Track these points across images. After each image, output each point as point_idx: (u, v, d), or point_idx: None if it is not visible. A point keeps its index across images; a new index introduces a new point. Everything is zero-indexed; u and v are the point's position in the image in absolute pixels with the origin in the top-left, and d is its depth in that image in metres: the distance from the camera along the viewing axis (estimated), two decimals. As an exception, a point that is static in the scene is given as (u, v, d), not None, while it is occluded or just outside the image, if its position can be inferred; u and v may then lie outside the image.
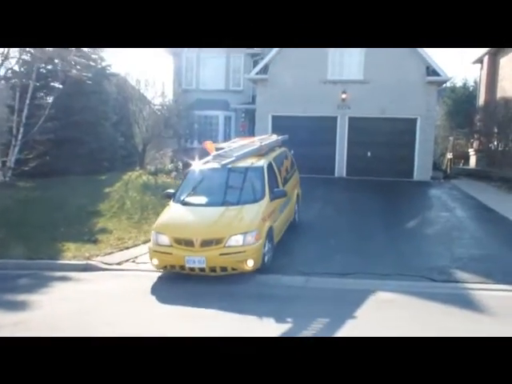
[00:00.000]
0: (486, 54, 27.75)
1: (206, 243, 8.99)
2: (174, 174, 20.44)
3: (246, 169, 10.49)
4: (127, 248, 11.74)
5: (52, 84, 22.48)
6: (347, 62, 21.33)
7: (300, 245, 11.63)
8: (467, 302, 8.18)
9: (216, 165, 10.41)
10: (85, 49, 22.02)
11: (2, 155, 19.61)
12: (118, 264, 10.69)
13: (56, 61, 20.83)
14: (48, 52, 18.79)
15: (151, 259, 9.58)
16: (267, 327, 7.09)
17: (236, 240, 9.00)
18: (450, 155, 27.40)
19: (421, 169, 21.24)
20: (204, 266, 8.92)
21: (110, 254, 11.28)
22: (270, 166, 10.95)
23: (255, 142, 12.17)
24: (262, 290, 8.88)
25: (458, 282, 9.32)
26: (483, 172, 22.45)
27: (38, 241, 11.97)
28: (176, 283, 9.46)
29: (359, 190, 18.34)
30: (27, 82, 19.73)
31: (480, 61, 29.04)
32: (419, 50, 20.47)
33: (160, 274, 9.98)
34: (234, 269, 9.06)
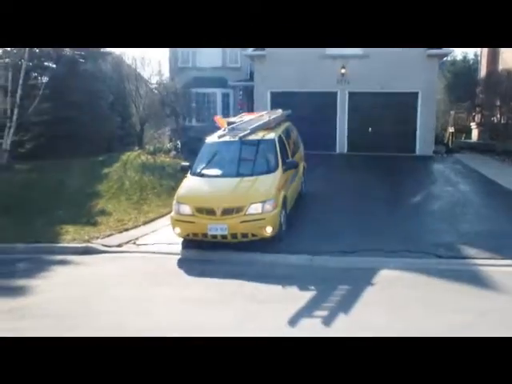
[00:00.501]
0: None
1: (227, 212, 9.43)
2: (172, 153, 20.15)
3: (258, 141, 10.91)
4: (127, 230, 11.55)
5: (46, 64, 22.05)
6: (346, 36, 20.88)
7: (306, 219, 11.58)
8: (477, 279, 8.01)
9: (229, 138, 10.92)
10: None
11: (-3, 138, 19.30)
12: (118, 246, 10.52)
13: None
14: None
15: (173, 228, 10.00)
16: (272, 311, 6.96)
17: (255, 208, 9.46)
18: (451, 129, 27.10)
19: (423, 143, 20.91)
20: (226, 233, 9.39)
21: (109, 236, 11.10)
22: (280, 138, 11.37)
23: (264, 116, 12.44)
24: (269, 271, 8.71)
25: (465, 257, 9.16)
26: (486, 145, 22.20)
27: (37, 224, 11.79)
28: (178, 264, 9.34)
29: (361, 166, 18.02)
30: (19, 61, 19.32)
31: None
32: (420, 21, 20.02)
33: (160, 255, 9.86)
34: (254, 235, 9.49)
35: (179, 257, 9.76)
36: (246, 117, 12.90)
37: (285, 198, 10.29)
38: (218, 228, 9.38)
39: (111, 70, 24.30)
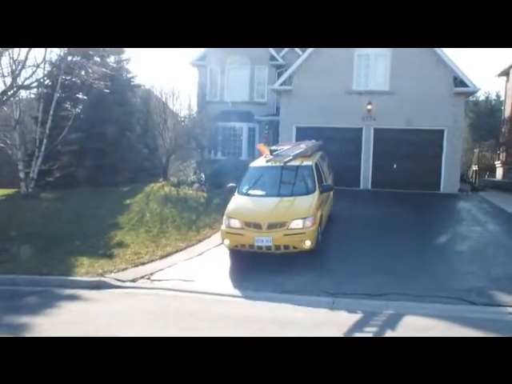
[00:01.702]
0: (511, 66, 26.50)
1: (271, 226, 10.14)
2: (196, 185, 19.44)
3: (297, 167, 11.62)
4: (143, 264, 10.77)
5: (76, 95, 21.76)
6: (372, 73, 20.12)
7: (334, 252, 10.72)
8: (515, 331, 7.01)
9: (271, 163, 11.98)
10: (109, 60, 21.28)
11: (25, 166, 18.88)
12: (132, 281, 9.77)
13: (82, 72, 20.09)
14: (69, 62, 18.13)
15: (223, 240, 10.78)
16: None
17: (297, 223, 10.14)
18: (475, 167, 26.13)
19: (448, 181, 19.86)
20: (271, 244, 10.08)
21: (124, 269, 10.34)
22: (316, 165, 12.11)
23: (301, 145, 13.14)
24: (287, 316, 7.81)
25: (499, 305, 8.17)
26: (511, 184, 21.05)
27: (53, 255, 11.16)
28: (191, 304, 8.50)
29: (386, 203, 17.06)
30: (51, 93, 19.02)
31: (506, 73, 27.92)
32: (446, 60, 19.26)
33: (174, 292, 9.08)
34: (294, 247, 10.16)
35: (193, 295, 8.98)
36: (286, 146, 13.55)
37: (321, 216, 10.92)
38: (263, 240, 10.08)
39: (140, 103, 23.92)
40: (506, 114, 26.89)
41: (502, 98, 35.27)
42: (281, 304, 8.33)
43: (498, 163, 26.46)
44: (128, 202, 16.79)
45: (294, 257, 10.28)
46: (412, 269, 10.01)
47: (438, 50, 19.16)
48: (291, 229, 10.11)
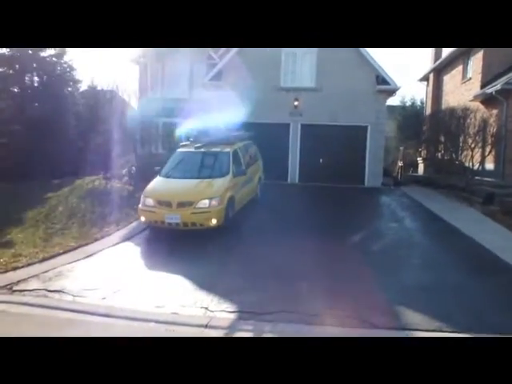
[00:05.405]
0: (430, 71, 25.04)
1: (181, 205, 9.52)
2: (125, 178, 16.57)
3: (217, 152, 11.20)
4: (15, 269, 7.89)
5: (10, 88, 18.36)
6: (299, 70, 17.48)
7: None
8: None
9: (193, 148, 11.42)
10: (43, 54, 17.98)
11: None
12: (-12, 292, 6.91)
13: (16, 66, 16.87)
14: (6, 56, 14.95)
15: (140, 216, 10.13)
16: None
17: (203, 203, 9.54)
18: (400, 163, 24.20)
19: (372, 175, 17.51)
20: (179, 221, 9.47)
21: (-12, 276, 7.46)
22: (235, 151, 11.54)
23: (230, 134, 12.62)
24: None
25: (405, 329, 5.69)
26: (431, 179, 18.96)
27: None
28: (29, 331, 5.72)
29: (310, 198, 14.61)
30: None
31: (426, 78, 26.56)
32: (369, 59, 16.84)
33: (28, 308, 6.32)
34: (201, 224, 9.55)
35: (50, 312, 6.24)
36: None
37: (231, 197, 10.24)
38: (173, 217, 9.49)
39: (81, 99, 20.66)
40: (427, 114, 25.12)
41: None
42: (146, 324, 5.70)
43: (419, 159, 24.68)
44: (49, 195, 13.81)
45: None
46: (315, 274, 7.54)
47: (361, 49, 16.69)
48: (198, 208, 9.50)
